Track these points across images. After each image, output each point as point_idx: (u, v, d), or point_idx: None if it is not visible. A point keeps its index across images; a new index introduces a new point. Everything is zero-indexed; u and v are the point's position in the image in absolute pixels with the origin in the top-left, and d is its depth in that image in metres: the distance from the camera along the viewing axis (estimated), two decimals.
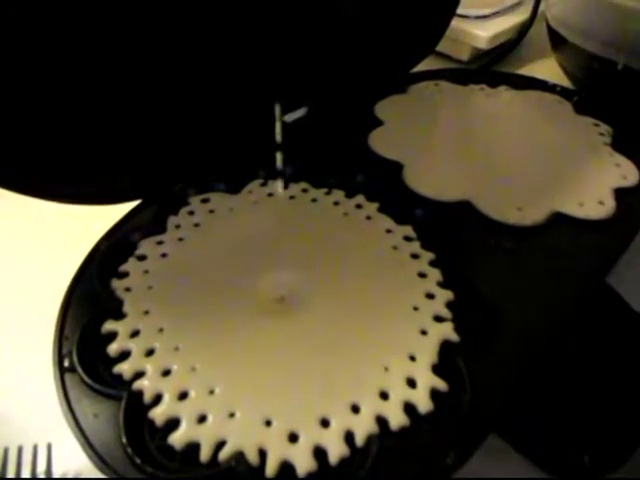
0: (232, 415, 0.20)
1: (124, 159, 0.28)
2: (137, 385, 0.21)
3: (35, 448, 0.23)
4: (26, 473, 0.22)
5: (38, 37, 0.22)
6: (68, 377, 0.22)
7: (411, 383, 0.22)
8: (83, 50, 0.23)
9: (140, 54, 0.25)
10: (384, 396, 0.21)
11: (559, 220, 0.29)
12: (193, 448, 0.20)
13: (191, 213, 0.29)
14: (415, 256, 0.27)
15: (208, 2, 0.26)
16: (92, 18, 0.23)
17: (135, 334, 0.23)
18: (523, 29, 0.50)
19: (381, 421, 0.20)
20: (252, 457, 0.19)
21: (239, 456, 0.19)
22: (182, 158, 0.30)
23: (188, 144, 0.30)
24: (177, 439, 0.20)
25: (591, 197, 0.30)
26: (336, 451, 0.19)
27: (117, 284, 0.25)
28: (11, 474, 0.22)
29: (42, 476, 0.22)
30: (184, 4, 0.25)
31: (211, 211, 0.29)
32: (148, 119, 0.28)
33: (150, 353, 0.22)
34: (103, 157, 0.27)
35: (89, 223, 0.28)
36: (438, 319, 0.24)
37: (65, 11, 0.22)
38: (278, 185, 0.30)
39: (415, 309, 0.24)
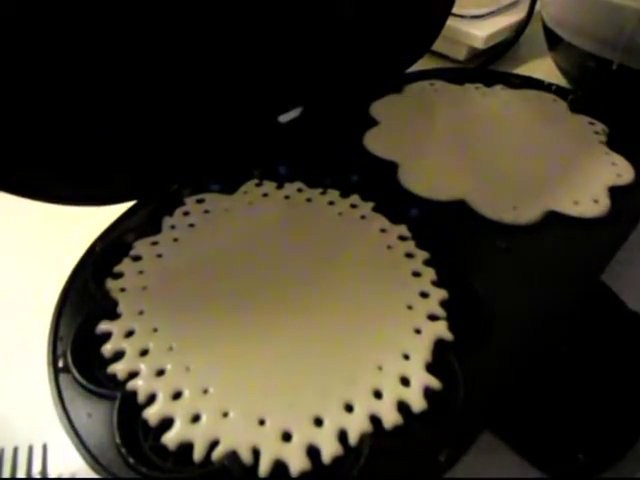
0: (225, 415, 0.20)
1: (119, 160, 0.29)
2: (131, 385, 0.21)
3: (30, 449, 0.23)
4: (22, 474, 0.23)
5: (35, 35, 0.22)
6: (62, 377, 0.22)
7: (405, 382, 0.22)
8: (81, 50, 0.23)
9: (135, 53, 0.25)
10: (378, 395, 0.21)
11: (554, 219, 0.29)
12: (187, 448, 0.20)
13: (186, 214, 0.29)
14: (409, 255, 0.27)
15: (205, 2, 0.26)
16: (91, 17, 0.23)
17: (129, 334, 0.23)
18: (519, 29, 0.50)
19: (375, 420, 0.20)
20: (245, 456, 0.19)
21: (232, 455, 0.19)
22: (177, 158, 0.31)
23: (183, 144, 0.30)
24: (171, 439, 0.20)
25: (586, 195, 0.30)
26: (329, 450, 0.19)
27: (112, 284, 0.25)
28: (7, 475, 0.22)
29: (38, 476, 0.23)
30: (180, 3, 0.25)
31: (206, 211, 0.29)
32: (143, 119, 0.28)
33: (144, 353, 0.23)
34: (98, 158, 0.27)
35: (84, 224, 0.28)
36: (432, 318, 0.24)
37: (64, 10, 0.22)
38: None
39: (409, 308, 0.24)
